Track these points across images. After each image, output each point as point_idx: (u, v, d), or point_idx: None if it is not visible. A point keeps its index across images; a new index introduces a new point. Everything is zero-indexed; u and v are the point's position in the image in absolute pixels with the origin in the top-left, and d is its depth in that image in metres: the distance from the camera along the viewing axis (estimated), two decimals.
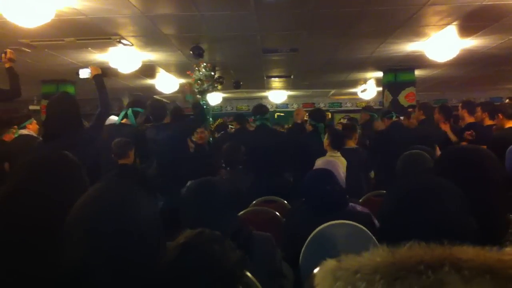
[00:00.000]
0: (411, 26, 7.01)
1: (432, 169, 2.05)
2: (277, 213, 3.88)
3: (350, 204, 3.30)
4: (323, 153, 5.01)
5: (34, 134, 5.94)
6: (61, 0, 5.35)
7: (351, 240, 2.77)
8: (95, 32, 6.83)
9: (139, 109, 5.55)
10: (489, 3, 5.83)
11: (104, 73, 4.32)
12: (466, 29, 7.27)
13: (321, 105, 16.57)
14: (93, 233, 1.31)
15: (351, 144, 5.88)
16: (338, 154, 5.14)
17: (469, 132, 5.75)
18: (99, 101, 4.12)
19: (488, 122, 6.08)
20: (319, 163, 4.25)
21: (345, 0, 5.75)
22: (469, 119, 6.38)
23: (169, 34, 7.32)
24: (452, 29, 7.25)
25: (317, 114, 6.45)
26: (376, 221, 3.00)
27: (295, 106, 16.25)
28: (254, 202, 4.41)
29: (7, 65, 4.58)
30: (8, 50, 4.61)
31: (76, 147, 3.52)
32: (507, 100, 8.01)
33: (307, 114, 6.87)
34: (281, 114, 16.59)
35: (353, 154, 5.56)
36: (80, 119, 3.94)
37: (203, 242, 1.41)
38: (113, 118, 5.91)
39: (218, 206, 2.31)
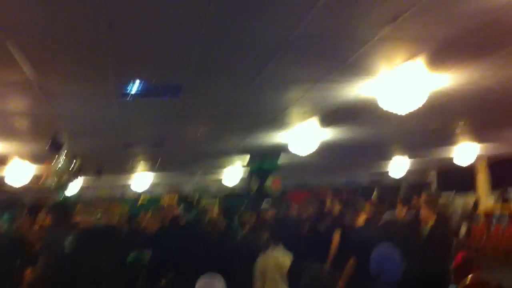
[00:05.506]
0: (277, 121, 7.16)
1: None
2: None
3: None
4: None
5: None
6: None
7: None
8: None
9: None
10: (344, 104, 6.07)
11: None
12: (325, 123, 7.55)
13: (187, 189, 16.35)
14: None
15: None
16: None
17: None
18: None
19: None
20: None
21: (212, 101, 5.77)
22: None
23: (24, 128, 6.73)
24: (312, 123, 7.48)
25: None
26: None
27: (161, 190, 15.82)
28: None
29: None
30: None
31: None
32: None
33: None
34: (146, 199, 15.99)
35: None
36: None
37: None
38: None
39: None
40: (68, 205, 5.46)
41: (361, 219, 5.82)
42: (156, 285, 5.88)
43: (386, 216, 6.93)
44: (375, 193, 8.39)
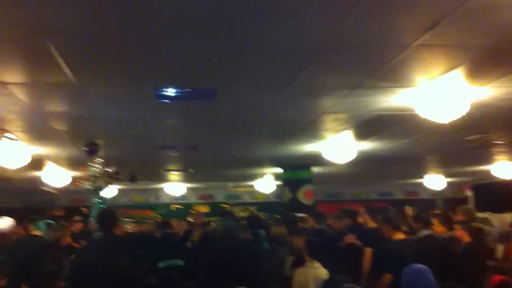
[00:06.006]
0: (310, 130, 7.15)
1: None
2: None
3: None
4: None
5: None
6: None
7: None
8: None
9: None
10: (380, 113, 6.03)
11: None
12: (361, 134, 7.53)
13: (218, 198, 16.41)
14: None
15: None
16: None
17: None
18: None
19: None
20: None
21: (247, 106, 5.77)
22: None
23: (62, 130, 6.86)
24: (348, 134, 7.45)
25: None
26: None
27: (193, 198, 15.91)
28: None
29: None
30: None
31: None
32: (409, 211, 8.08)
33: None
34: (179, 206, 16.09)
35: None
36: None
37: None
38: None
39: None
40: (113, 212, 5.40)
41: (397, 236, 5.68)
42: None
43: (423, 233, 6.73)
44: (410, 209, 8.20)
